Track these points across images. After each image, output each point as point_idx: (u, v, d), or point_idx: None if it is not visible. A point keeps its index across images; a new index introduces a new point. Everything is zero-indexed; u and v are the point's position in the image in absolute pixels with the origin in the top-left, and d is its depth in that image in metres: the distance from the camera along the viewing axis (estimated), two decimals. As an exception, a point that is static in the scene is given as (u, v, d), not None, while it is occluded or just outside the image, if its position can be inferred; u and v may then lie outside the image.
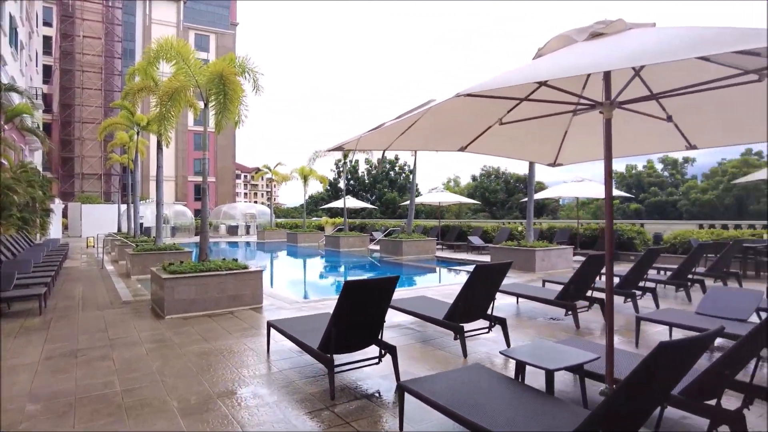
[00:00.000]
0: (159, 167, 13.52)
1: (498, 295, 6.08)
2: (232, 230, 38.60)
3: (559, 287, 8.75)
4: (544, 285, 9.07)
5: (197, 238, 30.38)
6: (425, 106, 3.29)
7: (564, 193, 17.44)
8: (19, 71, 25.23)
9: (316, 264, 19.96)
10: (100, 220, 31.08)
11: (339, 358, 4.54)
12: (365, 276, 16.23)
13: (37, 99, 26.29)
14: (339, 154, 26.62)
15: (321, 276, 16.73)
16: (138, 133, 18.10)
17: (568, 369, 3.55)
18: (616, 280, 8.34)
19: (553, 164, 5.25)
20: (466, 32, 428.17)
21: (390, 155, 56.43)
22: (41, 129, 24.80)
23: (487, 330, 5.82)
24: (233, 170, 65.31)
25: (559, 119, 4.50)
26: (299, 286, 13.51)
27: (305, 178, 30.26)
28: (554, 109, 4.13)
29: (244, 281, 8.30)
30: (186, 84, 9.38)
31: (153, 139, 16.13)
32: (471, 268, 14.26)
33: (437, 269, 15.92)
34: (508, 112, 4.05)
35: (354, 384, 4.58)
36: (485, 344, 5.95)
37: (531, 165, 14.73)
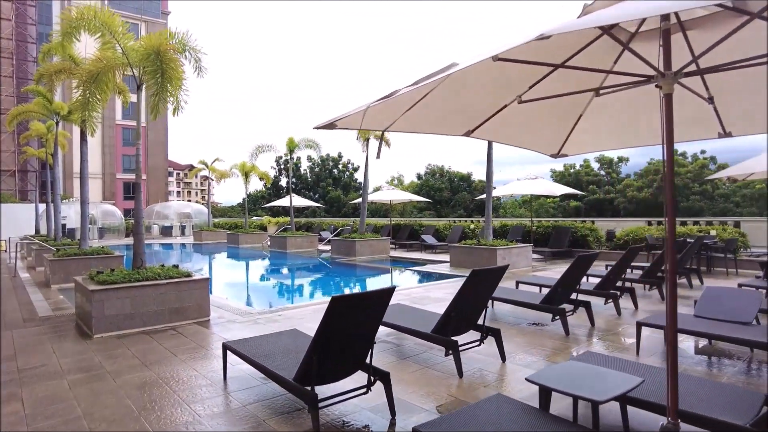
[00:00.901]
0: (83, 161, 11.89)
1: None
2: (166, 231, 36.24)
3: (535, 288, 8.34)
4: (517, 286, 8.57)
5: (128, 240, 28.10)
6: (448, 70, 2.52)
7: (518, 191, 17.27)
8: None
9: (264, 267, 18.65)
10: (13, 221, 27.97)
11: (320, 390, 3.69)
12: (314, 277, 15.27)
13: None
14: (282, 151, 25.20)
15: (271, 280, 15.52)
16: (58, 124, 16.07)
17: (616, 399, 2.90)
18: (596, 280, 7.98)
19: (556, 155, 4.67)
20: (418, 31, 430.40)
21: (333, 152, 55.41)
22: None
23: (478, 343, 5.16)
24: (166, 167, 61.51)
25: (575, 103, 3.89)
26: (249, 294, 12.32)
27: (246, 175, 28.64)
28: (579, 86, 3.50)
29: (188, 291, 7.20)
30: (113, 63, 8.06)
31: (76, 131, 14.32)
32: (431, 268, 13.77)
33: (397, 271, 15.12)
34: (530, 87, 3.37)
35: (339, 420, 3.74)
36: (476, 358, 5.27)
37: (489, 161, 14.27)
